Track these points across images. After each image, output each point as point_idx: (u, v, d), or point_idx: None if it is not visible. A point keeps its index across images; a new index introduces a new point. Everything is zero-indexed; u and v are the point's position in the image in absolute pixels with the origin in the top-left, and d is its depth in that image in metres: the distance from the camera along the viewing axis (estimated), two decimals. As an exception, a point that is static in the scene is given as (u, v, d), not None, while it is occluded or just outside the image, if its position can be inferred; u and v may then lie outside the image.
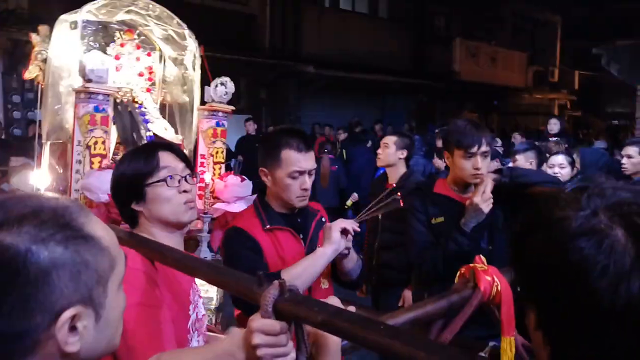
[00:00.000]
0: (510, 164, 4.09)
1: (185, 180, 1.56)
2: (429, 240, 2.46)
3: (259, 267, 1.73)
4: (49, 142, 3.54)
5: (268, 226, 1.93)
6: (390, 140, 3.79)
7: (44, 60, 3.48)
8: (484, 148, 2.42)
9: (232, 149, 9.86)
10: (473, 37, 16.05)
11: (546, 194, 0.68)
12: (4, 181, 6.30)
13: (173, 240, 1.53)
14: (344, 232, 1.85)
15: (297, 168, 1.90)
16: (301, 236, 1.97)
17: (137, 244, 1.38)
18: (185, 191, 1.54)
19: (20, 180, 5.13)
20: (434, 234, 2.45)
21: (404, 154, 3.76)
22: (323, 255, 1.82)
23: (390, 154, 3.75)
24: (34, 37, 3.45)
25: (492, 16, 16.96)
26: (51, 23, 3.54)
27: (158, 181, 1.51)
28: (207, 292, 3.08)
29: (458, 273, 1.60)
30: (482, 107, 16.95)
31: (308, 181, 1.94)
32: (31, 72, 3.48)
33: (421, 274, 2.58)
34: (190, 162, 1.65)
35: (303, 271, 1.78)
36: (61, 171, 3.46)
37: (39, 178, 3.66)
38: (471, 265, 1.56)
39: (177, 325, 1.40)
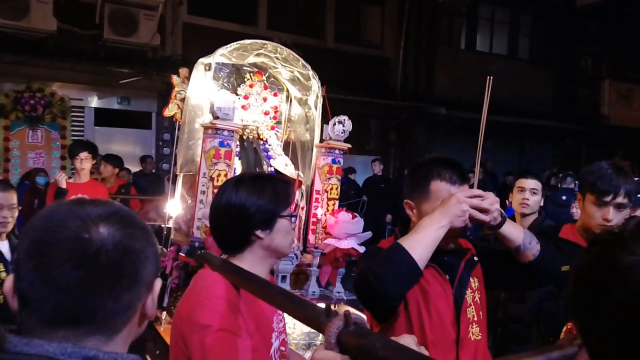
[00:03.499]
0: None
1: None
2: (549, 290, 2.26)
3: None
4: (181, 174, 3.86)
5: None
6: (538, 186, 3.56)
7: (183, 100, 3.82)
8: (620, 199, 2.20)
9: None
10: (625, 78, 14.82)
11: (607, 234, 0.60)
12: (151, 209, 6.99)
13: (269, 266, 1.68)
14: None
15: None
16: (448, 277, 1.76)
17: (226, 271, 1.45)
18: (294, 228, 1.68)
19: (157, 212, 5.66)
20: (556, 284, 2.24)
21: (542, 201, 3.57)
22: (434, 221, 1.59)
23: (538, 201, 3.54)
24: (175, 79, 3.81)
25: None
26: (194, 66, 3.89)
27: (289, 216, 1.62)
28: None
29: (564, 328, 1.44)
30: (636, 154, 15.42)
31: None
32: (170, 110, 3.83)
33: (539, 329, 2.37)
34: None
35: (419, 240, 1.57)
36: (190, 201, 3.73)
37: (171, 207, 4.00)
38: (579, 319, 1.41)
39: (257, 353, 1.43)
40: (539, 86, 13.95)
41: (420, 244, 1.57)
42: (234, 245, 1.64)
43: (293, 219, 1.64)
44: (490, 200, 1.66)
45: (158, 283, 0.91)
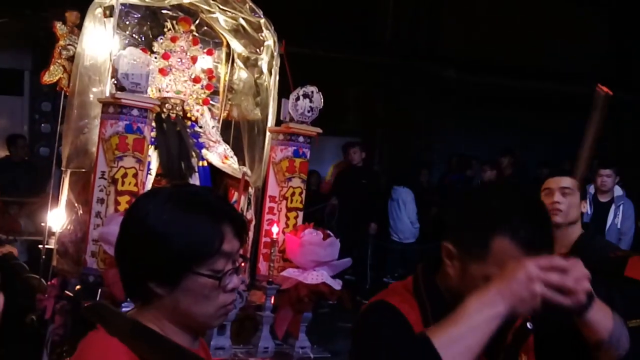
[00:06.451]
0: None
1: (236, 272, 1.51)
2: None
3: None
4: (69, 171, 3.77)
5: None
6: (573, 184, 3.52)
7: (71, 59, 3.74)
8: None
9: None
10: None
11: None
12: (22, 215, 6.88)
13: (185, 340, 1.53)
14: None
15: None
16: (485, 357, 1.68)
17: (131, 339, 1.42)
18: (232, 290, 1.51)
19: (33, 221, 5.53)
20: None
21: (585, 206, 3.59)
22: (487, 305, 1.47)
23: (576, 205, 3.55)
24: (59, 27, 3.73)
25: None
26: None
27: (209, 275, 1.47)
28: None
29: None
30: None
31: None
32: (53, 74, 3.75)
33: None
34: (245, 239, 1.61)
35: (459, 337, 1.46)
36: (81, 212, 3.65)
37: (54, 219, 3.90)
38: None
39: None
40: (594, 39, 14.10)
41: (461, 342, 1.45)
42: (138, 297, 1.56)
43: (227, 277, 1.48)
44: (578, 274, 1.54)
45: None
